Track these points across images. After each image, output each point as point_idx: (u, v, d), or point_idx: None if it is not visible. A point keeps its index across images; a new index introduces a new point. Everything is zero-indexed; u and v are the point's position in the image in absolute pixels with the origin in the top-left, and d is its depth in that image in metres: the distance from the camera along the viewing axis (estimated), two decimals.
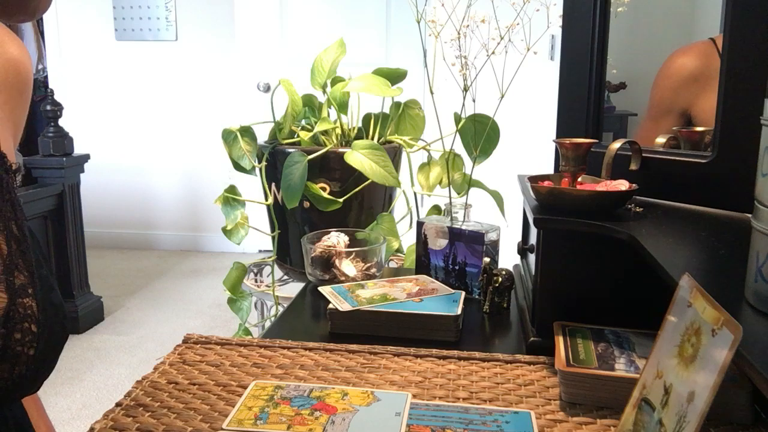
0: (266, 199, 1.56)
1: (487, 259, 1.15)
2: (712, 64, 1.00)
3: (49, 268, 0.58)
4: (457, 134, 1.30)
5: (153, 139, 4.34)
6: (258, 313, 1.73)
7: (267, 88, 4.02)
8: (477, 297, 1.16)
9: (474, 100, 1.15)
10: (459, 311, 1.02)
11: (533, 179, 1.01)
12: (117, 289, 3.65)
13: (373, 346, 0.94)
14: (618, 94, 1.24)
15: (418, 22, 1.17)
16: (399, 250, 1.56)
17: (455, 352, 0.93)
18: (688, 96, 1.10)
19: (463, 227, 1.19)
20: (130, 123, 4.33)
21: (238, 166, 1.53)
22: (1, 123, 0.59)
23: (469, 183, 1.32)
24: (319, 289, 1.13)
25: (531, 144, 2.81)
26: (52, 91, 3.09)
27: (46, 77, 4.43)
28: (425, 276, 1.22)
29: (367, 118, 1.60)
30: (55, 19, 4.26)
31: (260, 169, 1.53)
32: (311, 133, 1.53)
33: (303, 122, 1.60)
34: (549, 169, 1.20)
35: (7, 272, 0.52)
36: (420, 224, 1.25)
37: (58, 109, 2.97)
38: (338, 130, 1.55)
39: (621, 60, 1.13)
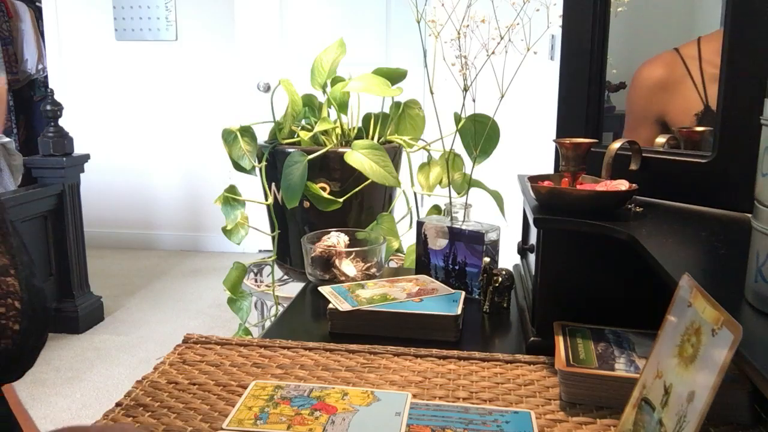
0: (266, 199, 1.56)
1: (487, 259, 1.15)
2: (676, 71, 1.07)
3: (30, 258, 0.61)
4: (457, 134, 1.30)
5: (153, 139, 4.34)
6: (258, 313, 1.73)
7: (267, 88, 4.02)
8: (477, 297, 1.16)
9: (474, 100, 1.15)
10: (459, 311, 1.02)
11: (533, 179, 1.01)
12: (117, 289, 3.65)
13: (373, 346, 0.94)
14: (618, 94, 1.24)
15: (418, 22, 1.17)
16: (399, 250, 1.56)
17: (455, 352, 0.93)
18: (659, 103, 1.14)
19: (463, 227, 1.19)
20: (130, 123, 4.33)
21: (238, 166, 1.53)
22: None
23: (469, 183, 1.32)
24: (319, 289, 1.13)
25: (531, 144, 2.81)
26: (52, 91, 3.09)
27: (46, 77, 4.43)
28: (425, 276, 1.22)
29: (367, 118, 1.60)
30: (55, 19, 4.26)
31: (260, 169, 1.53)
32: (311, 133, 1.53)
33: (303, 122, 1.60)
34: (549, 169, 1.20)
35: None
36: (420, 224, 1.25)
37: (58, 109, 2.97)
38: (338, 130, 1.55)
39: (621, 60, 1.13)
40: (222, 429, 0.72)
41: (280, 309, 1.55)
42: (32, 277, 0.59)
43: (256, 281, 1.78)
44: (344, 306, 1.03)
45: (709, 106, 1.03)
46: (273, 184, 1.54)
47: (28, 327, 0.56)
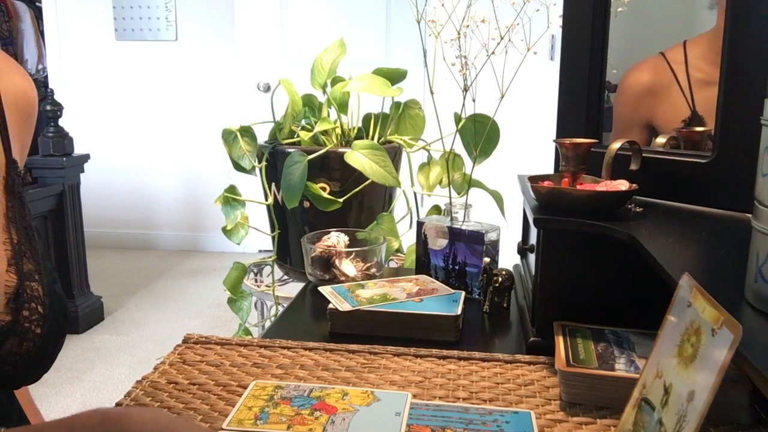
0: (266, 199, 1.56)
1: (487, 259, 1.15)
2: (663, 77, 1.07)
3: (52, 264, 0.63)
4: (457, 134, 1.30)
5: (153, 139, 4.34)
6: (258, 313, 1.73)
7: (267, 88, 4.02)
8: (477, 297, 1.16)
9: (474, 100, 1.15)
10: (459, 311, 1.02)
11: (533, 179, 1.01)
12: (117, 289, 3.65)
13: (373, 346, 0.94)
14: None
15: (418, 22, 1.18)
16: (399, 250, 1.56)
17: (455, 352, 0.92)
18: (646, 109, 1.14)
19: (463, 227, 1.19)
20: (130, 123, 4.33)
21: (238, 166, 1.53)
22: (12, 138, 0.65)
23: (469, 183, 1.32)
24: (319, 289, 1.13)
25: (531, 144, 2.81)
26: (52, 91, 3.09)
27: (46, 77, 4.43)
28: (425, 276, 1.22)
29: (367, 118, 1.60)
30: (55, 19, 4.26)
31: (260, 169, 1.53)
32: (311, 133, 1.53)
33: (303, 122, 1.60)
34: (549, 169, 1.20)
35: (17, 258, 0.57)
36: (420, 224, 1.25)
37: (58, 109, 2.97)
38: (338, 130, 1.55)
39: (621, 60, 1.13)
40: (222, 429, 0.72)
41: (280, 309, 1.55)
42: (54, 283, 0.61)
43: (256, 281, 1.78)
44: (344, 306, 1.03)
45: (696, 111, 1.03)
46: (273, 184, 1.54)
47: (48, 331, 0.57)
